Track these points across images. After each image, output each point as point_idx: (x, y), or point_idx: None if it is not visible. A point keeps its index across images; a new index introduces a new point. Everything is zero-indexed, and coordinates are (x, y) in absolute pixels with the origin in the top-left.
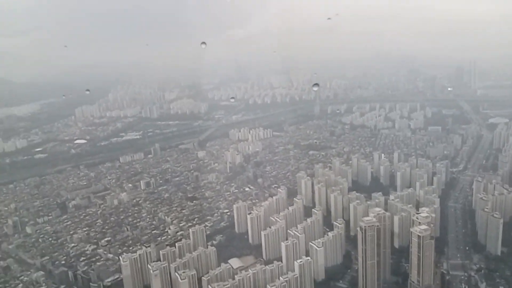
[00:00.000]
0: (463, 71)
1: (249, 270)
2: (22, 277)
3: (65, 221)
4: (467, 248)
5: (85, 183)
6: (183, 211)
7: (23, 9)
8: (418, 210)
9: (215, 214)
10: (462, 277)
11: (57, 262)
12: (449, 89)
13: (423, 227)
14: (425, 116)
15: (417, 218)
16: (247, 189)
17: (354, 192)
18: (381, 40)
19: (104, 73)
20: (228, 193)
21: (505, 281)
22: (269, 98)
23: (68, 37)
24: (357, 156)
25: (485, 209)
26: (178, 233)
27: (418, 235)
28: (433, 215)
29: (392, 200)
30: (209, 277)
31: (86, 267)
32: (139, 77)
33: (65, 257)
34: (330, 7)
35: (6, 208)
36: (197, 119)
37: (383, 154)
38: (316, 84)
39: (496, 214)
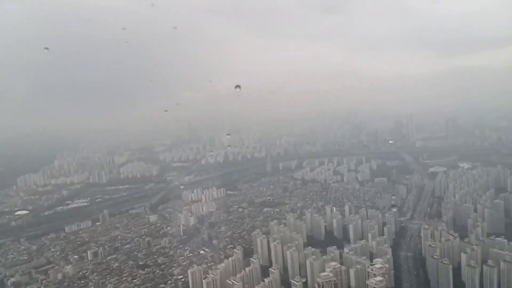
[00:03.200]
0: (402, 124)
1: None
2: None
3: None
4: None
5: (26, 257)
6: (134, 280)
7: None
8: (372, 261)
9: (169, 282)
10: None
11: None
12: (390, 142)
13: (378, 278)
14: (371, 168)
15: (372, 270)
16: (202, 252)
17: (310, 247)
18: (324, 99)
19: (49, 141)
20: (182, 257)
21: None
22: (222, 157)
23: (9, 106)
24: (310, 211)
25: (434, 256)
26: None
27: (374, 287)
28: (387, 265)
29: (347, 253)
30: None
31: None
32: (87, 142)
33: None
34: (275, 69)
35: None
36: (148, 182)
37: (334, 208)
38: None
39: (445, 260)
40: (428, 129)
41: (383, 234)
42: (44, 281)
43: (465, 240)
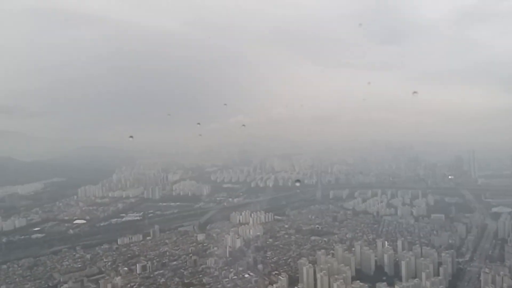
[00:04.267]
0: (463, 160)
1: None
2: None
3: None
4: None
5: (79, 265)
6: None
7: (39, 92)
8: None
9: None
10: None
11: None
12: (450, 177)
13: None
14: (428, 204)
15: None
16: (246, 275)
17: (358, 281)
18: (379, 128)
19: (109, 155)
20: (227, 279)
21: None
22: (271, 182)
23: (75, 121)
24: (360, 243)
25: None
26: None
27: None
28: None
29: None
30: None
31: None
32: (144, 159)
33: None
34: (330, 98)
35: None
36: (198, 201)
37: (386, 242)
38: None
39: None
40: (492, 166)
41: (438, 275)
42: None
43: None
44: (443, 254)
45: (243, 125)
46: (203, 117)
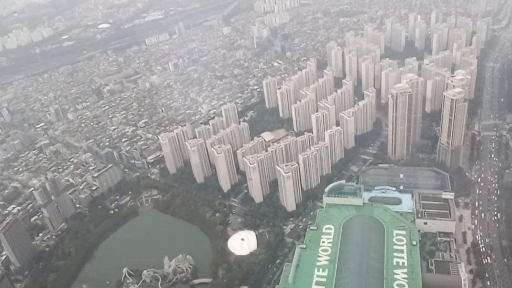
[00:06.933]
0: None
1: (281, 142)
2: (72, 159)
3: (103, 106)
4: (501, 108)
5: (115, 68)
6: (214, 90)
7: None
8: (453, 73)
9: (245, 91)
10: (493, 137)
11: (101, 144)
12: None
13: (457, 90)
14: None
15: (452, 81)
16: (275, 64)
17: (387, 59)
18: None
19: None
20: (257, 69)
21: None
22: None
23: None
24: (391, 20)
25: None
26: (211, 112)
27: (451, 99)
28: (469, 77)
29: (427, 64)
30: (243, 150)
31: (128, 147)
32: None
33: (108, 139)
34: None
35: (45, 97)
36: None
37: (419, 16)
38: None
39: None
40: None
41: (470, 44)
42: (135, 89)
43: None
44: (478, 23)
45: None
46: None
